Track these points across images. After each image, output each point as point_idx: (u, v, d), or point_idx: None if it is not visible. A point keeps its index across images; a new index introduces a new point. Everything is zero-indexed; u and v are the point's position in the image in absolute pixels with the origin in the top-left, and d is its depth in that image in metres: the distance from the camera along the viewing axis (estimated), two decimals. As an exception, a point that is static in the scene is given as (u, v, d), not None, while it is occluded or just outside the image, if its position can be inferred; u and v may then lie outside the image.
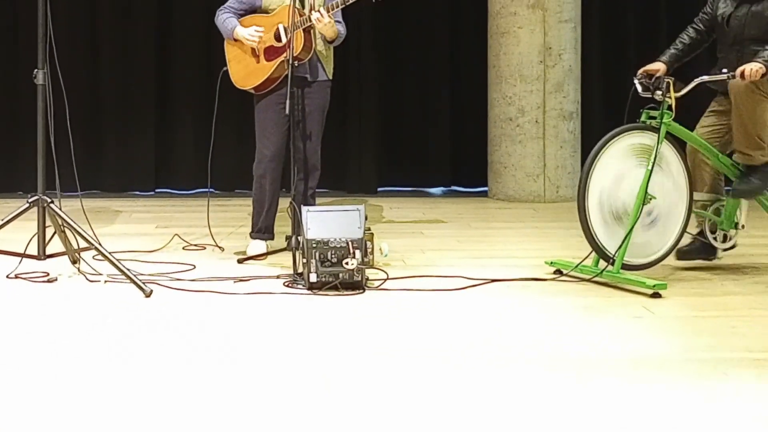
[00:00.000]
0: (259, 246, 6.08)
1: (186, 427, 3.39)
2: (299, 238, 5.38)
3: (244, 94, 6.17)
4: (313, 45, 5.83)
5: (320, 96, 6.00)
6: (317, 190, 6.14)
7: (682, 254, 5.73)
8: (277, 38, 5.88)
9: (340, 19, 5.95)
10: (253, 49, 5.96)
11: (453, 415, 3.51)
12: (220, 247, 6.29)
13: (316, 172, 6.03)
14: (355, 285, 5.26)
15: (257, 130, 6.08)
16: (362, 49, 9.06)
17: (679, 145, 5.60)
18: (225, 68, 6.10)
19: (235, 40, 6.00)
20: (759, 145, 5.55)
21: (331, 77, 6.06)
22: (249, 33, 5.92)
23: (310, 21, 5.71)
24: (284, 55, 5.78)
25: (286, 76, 5.69)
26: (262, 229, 6.11)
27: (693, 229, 5.80)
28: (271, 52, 5.91)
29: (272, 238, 6.12)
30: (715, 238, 5.75)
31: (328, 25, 5.73)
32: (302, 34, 5.76)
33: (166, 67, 9.06)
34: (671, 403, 3.63)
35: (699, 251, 5.78)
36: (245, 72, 6.01)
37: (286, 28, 5.77)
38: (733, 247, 5.81)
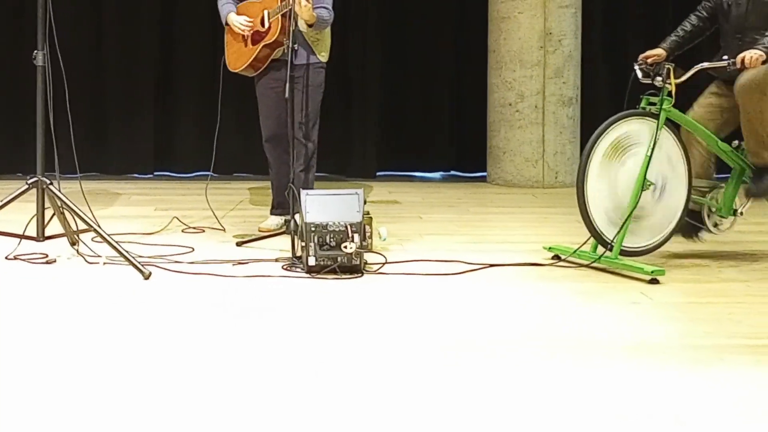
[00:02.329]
0: (273, 220, 6.33)
1: (183, 409, 3.40)
2: (298, 221, 5.39)
3: (244, 78, 6.33)
4: (292, 28, 5.87)
5: (313, 75, 6.11)
6: (317, 173, 6.16)
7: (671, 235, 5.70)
8: (262, 23, 6.11)
9: (327, 5, 6.01)
10: (242, 34, 6.18)
11: (449, 399, 3.53)
12: (222, 228, 6.30)
13: (304, 151, 6.06)
14: (353, 269, 5.26)
15: (259, 112, 6.31)
16: (364, 35, 9.04)
17: (678, 130, 5.60)
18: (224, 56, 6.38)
19: (227, 24, 6.26)
20: None
21: (323, 60, 6.14)
22: (240, 21, 6.15)
23: (289, 5, 5.82)
24: (266, 39, 6.04)
25: (273, 59, 6.05)
26: (275, 205, 6.36)
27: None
28: (256, 37, 6.15)
29: (286, 214, 6.14)
30: (712, 222, 5.74)
31: (305, 8, 5.79)
32: (280, 19, 5.99)
33: (167, 50, 9.03)
34: (668, 388, 3.64)
35: (682, 228, 5.72)
36: (236, 55, 6.27)
37: (269, 12, 6.04)
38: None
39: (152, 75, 8.98)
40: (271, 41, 6.01)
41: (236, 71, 6.27)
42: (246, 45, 6.17)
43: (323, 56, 6.13)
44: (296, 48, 5.83)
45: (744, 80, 5.43)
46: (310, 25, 5.99)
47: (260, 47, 6.08)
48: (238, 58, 6.23)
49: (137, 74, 8.96)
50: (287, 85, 5.65)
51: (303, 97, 6.05)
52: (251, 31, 6.12)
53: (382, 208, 7.23)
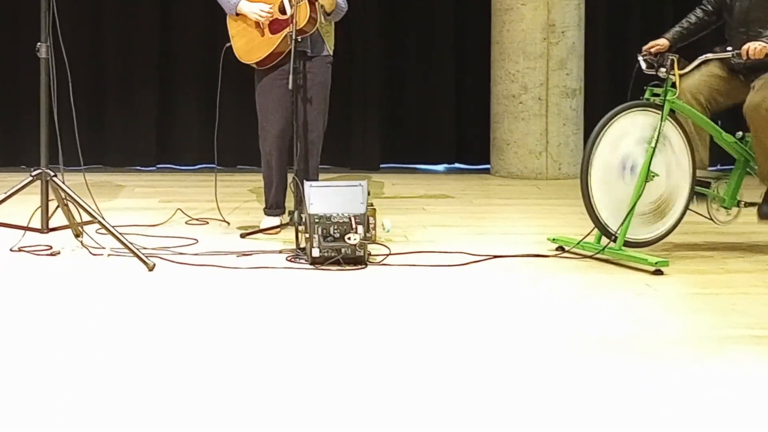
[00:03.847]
0: (271, 221, 6.10)
1: (187, 400, 3.40)
2: (302, 213, 5.39)
3: (248, 69, 6.14)
4: (318, 17, 5.80)
5: (322, 71, 5.98)
6: (320, 166, 6.13)
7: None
8: (282, 11, 5.85)
9: None
10: (257, 23, 5.94)
11: (453, 390, 3.53)
12: (226, 221, 6.29)
13: (315, 148, 6.00)
14: (357, 260, 5.27)
15: (259, 107, 6.07)
16: (366, 26, 9.02)
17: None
18: (228, 44, 6.07)
19: (238, 14, 5.98)
20: None
21: (332, 53, 6.04)
22: (257, 9, 5.88)
23: None
24: (289, 28, 5.75)
25: (290, 50, 5.70)
26: (273, 205, 6.11)
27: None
28: (275, 25, 5.88)
29: (284, 213, 6.12)
30: (714, 211, 5.73)
31: None
32: (307, 6, 5.74)
33: (169, 42, 9.02)
34: (672, 380, 3.64)
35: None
36: (249, 46, 5.98)
37: (292, 0, 5.76)
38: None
39: (154, 67, 8.97)
40: (298, 29, 5.67)
41: (251, 63, 6.00)
42: (263, 35, 5.90)
43: (331, 49, 6.03)
44: (314, 39, 5.77)
45: (755, 102, 5.40)
46: (328, 14, 5.86)
47: (282, 36, 5.81)
48: (253, 49, 5.94)
49: (138, 66, 8.95)
50: (290, 76, 5.59)
51: (318, 91, 5.95)
52: (270, 20, 5.89)
53: (385, 200, 7.24)
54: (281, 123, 5.96)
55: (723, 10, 5.66)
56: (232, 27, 6.08)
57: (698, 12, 5.74)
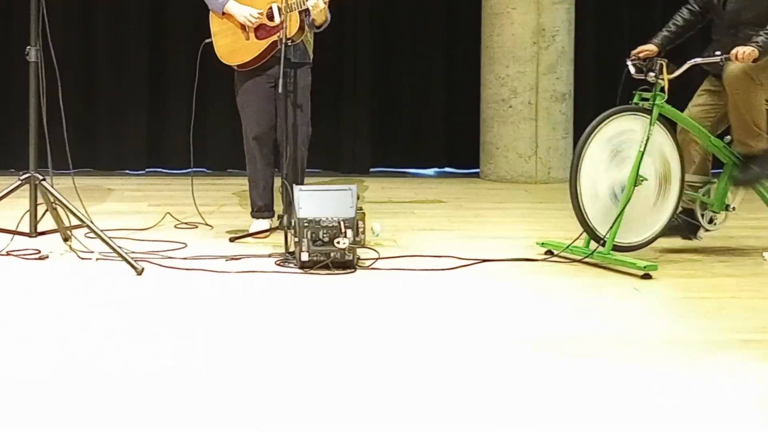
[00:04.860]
0: (261, 224, 6.09)
1: (176, 404, 3.40)
2: (291, 217, 5.39)
3: (229, 70, 6.11)
4: (306, 28, 5.82)
5: (303, 76, 6.00)
6: (308, 169, 6.13)
7: (663, 231, 5.72)
8: (270, 17, 5.86)
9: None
10: (242, 26, 5.94)
11: (442, 394, 3.53)
12: (208, 225, 6.28)
13: (302, 151, 6.00)
14: (346, 264, 5.27)
15: (241, 107, 6.08)
16: (356, 31, 9.03)
17: (671, 126, 5.61)
18: (208, 40, 6.05)
19: (224, 14, 5.98)
20: (756, 133, 5.55)
21: (311, 60, 6.06)
22: (247, 13, 5.89)
23: (305, 4, 5.69)
24: (277, 35, 5.76)
25: (273, 56, 5.77)
26: (262, 207, 6.11)
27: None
28: (261, 31, 5.90)
29: (273, 216, 6.12)
30: (707, 219, 5.75)
31: (323, 10, 5.73)
32: (297, 16, 5.75)
33: (159, 46, 9.02)
34: (660, 383, 3.65)
35: (681, 228, 5.75)
36: (232, 48, 5.99)
37: (280, 8, 5.76)
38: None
39: (143, 71, 8.97)
40: (288, 37, 5.69)
41: (233, 65, 6.01)
42: (248, 38, 5.91)
43: (311, 55, 6.05)
44: (299, 47, 5.79)
45: (733, 67, 5.43)
46: (318, 27, 5.88)
47: (269, 43, 5.83)
48: (237, 51, 5.96)
49: (128, 70, 8.95)
50: (280, 80, 5.60)
51: (302, 95, 5.95)
52: (257, 25, 5.89)
53: (375, 204, 7.24)
54: (263, 124, 5.99)
55: (710, 11, 5.68)
56: (215, 24, 6.07)
57: (684, 13, 5.75)
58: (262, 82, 5.97)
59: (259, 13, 5.88)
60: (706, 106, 5.69)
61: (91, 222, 5.39)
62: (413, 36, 9.19)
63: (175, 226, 6.32)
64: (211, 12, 6.08)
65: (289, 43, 5.73)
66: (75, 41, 8.79)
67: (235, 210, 6.89)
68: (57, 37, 5.53)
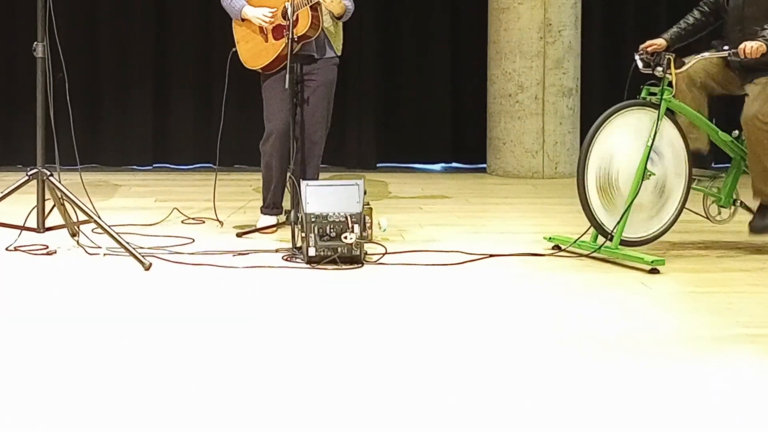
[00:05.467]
0: (268, 220, 6.08)
1: (183, 400, 3.40)
2: (298, 212, 5.39)
3: (245, 70, 6.10)
4: (321, 23, 5.80)
5: (326, 72, 5.95)
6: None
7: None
8: (285, 16, 5.79)
9: None
10: (261, 29, 5.92)
11: (449, 388, 3.53)
12: (219, 222, 6.29)
13: (317, 148, 6.00)
14: (353, 259, 5.27)
15: (264, 108, 6.05)
16: (363, 25, 9.02)
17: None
18: (234, 49, 6.05)
19: (243, 19, 5.97)
20: None
21: (339, 53, 6.01)
22: (260, 14, 5.87)
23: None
24: (293, 33, 5.69)
25: (294, 54, 5.69)
26: (270, 205, 6.10)
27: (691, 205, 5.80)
28: (278, 31, 5.86)
29: (281, 213, 6.13)
30: (716, 214, 5.74)
31: (335, 1, 5.71)
32: (309, 12, 5.70)
33: (165, 42, 9.02)
34: (667, 378, 3.64)
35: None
36: (253, 52, 5.97)
37: (294, 5, 5.70)
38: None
39: (150, 66, 8.97)
40: (300, 35, 5.68)
41: (256, 68, 5.96)
42: (267, 40, 5.88)
43: (338, 49, 5.99)
44: (317, 42, 5.77)
45: (749, 114, 5.41)
46: (338, 18, 5.86)
47: (286, 42, 5.71)
48: (257, 55, 5.92)
49: (135, 65, 8.96)
50: (287, 75, 5.59)
51: (321, 92, 5.93)
52: (272, 25, 5.86)
53: (382, 199, 7.24)
54: (283, 124, 5.90)
55: (719, 10, 5.66)
56: (237, 32, 6.07)
57: (695, 13, 5.73)
58: (282, 81, 5.84)
59: (272, 12, 5.85)
60: (707, 66, 5.57)
61: (99, 217, 5.40)
62: (420, 31, 9.18)
63: (182, 222, 6.33)
64: (233, 21, 6.08)
65: (302, 43, 5.72)
66: (82, 37, 8.80)
67: (244, 206, 6.88)
68: (64, 33, 5.54)
